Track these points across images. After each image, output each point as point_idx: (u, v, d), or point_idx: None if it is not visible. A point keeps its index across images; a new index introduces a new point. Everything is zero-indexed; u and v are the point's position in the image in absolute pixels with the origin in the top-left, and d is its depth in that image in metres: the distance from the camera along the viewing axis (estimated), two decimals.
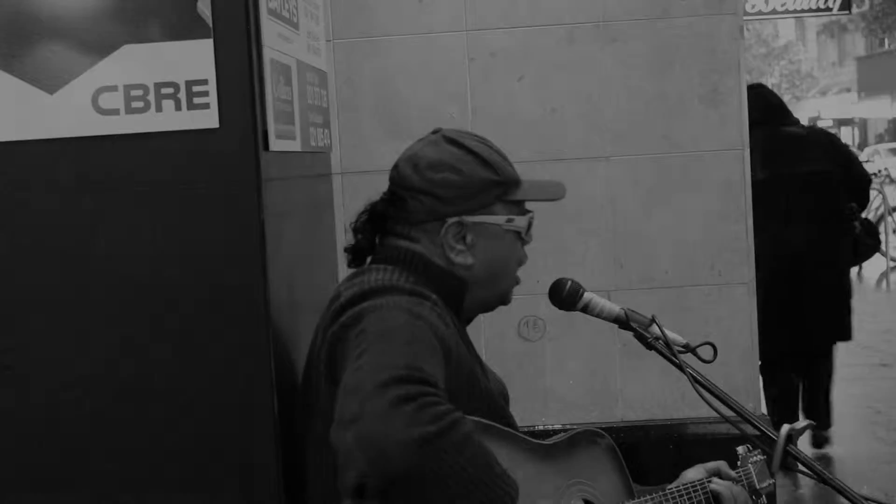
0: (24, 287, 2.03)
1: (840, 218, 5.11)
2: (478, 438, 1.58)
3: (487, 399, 1.91)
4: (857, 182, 5.15)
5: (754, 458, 2.17)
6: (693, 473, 2.14)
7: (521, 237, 1.99)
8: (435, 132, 2.01)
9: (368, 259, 1.99)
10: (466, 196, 1.92)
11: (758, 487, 2.16)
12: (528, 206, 2.02)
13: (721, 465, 2.16)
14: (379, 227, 1.98)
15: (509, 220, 1.95)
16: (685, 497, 2.08)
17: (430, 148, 1.96)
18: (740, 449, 2.18)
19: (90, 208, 2.02)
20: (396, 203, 1.95)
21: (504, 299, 2.04)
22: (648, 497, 2.06)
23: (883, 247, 12.06)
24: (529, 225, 2.00)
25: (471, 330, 2.04)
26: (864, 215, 5.44)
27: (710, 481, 2.10)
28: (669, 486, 2.11)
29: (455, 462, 1.52)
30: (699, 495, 2.09)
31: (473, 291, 1.96)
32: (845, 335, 5.22)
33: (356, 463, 1.51)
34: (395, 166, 1.98)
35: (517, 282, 2.04)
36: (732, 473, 2.14)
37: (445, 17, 3.41)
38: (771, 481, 2.18)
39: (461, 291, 1.94)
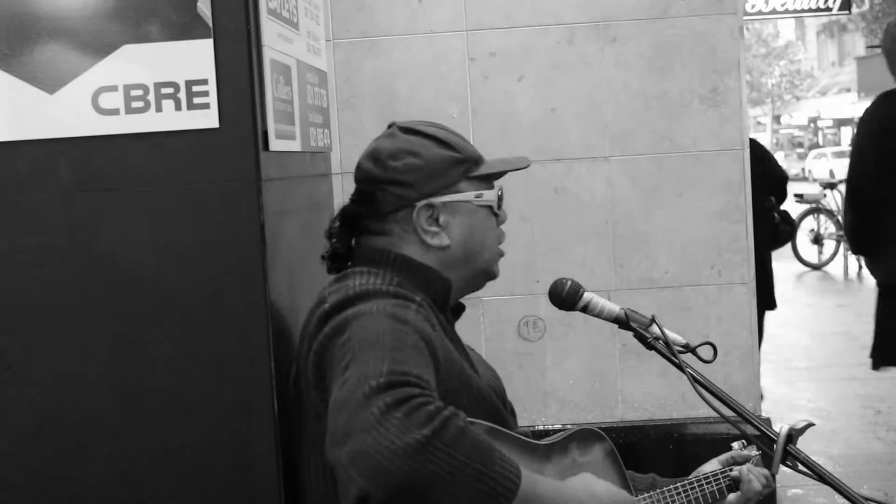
0: (23, 287, 2.03)
1: (760, 209, 5.62)
2: (472, 429, 1.57)
3: (481, 400, 1.90)
4: (776, 180, 5.69)
5: (749, 454, 2.19)
6: (708, 467, 2.16)
7: (494, 212, 1.99)
8: (390, 126, 2.03)
9: (349, 263, 1.98)
10: (430, 177, 1.92)
11: None
12: (499, 184, 2.02)
13: (733, 452, 2.18)
14: (353, 228, 1.98)
15: (478, 196, 1.96)
16: (692, 490, 2.09)
17: (387, 140, 1.98)
18: (735, 444, 2.20)
19: (90, 208, 2.02)
20: (365, 201, 1.95)
21: (489, 273, 2.03)
22: (647, 494, 2.06)
23: None
24: (500, 199, 2.00)
25: (471, 330, 2.04)
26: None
27: (730, 469, 2.12)
28: (683, 480, 2.13)
29: (454, 459, 1.51)
30: (712, 486, 2.10)
31: (455, 272, 1.95)
32: (770, 305, 5.68)
33: (355, 481, 1.49)
34: (358, 166, 1.99)
35: (501, 254, 2.04)
36: (745, 452, 2.17)
37: (445, 17, 3.41)
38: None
39: (446, 287, 1.94)
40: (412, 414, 1.50)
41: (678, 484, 2.11)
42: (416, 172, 1.92)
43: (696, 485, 2.11)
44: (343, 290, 1.81)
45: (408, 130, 1.97)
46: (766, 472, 2.15)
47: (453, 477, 1.50)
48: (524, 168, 2.05)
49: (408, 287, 1.85)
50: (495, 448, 1.58)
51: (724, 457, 2.19)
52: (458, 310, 2.06)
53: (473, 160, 1.98)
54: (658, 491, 2.08)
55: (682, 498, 2.09)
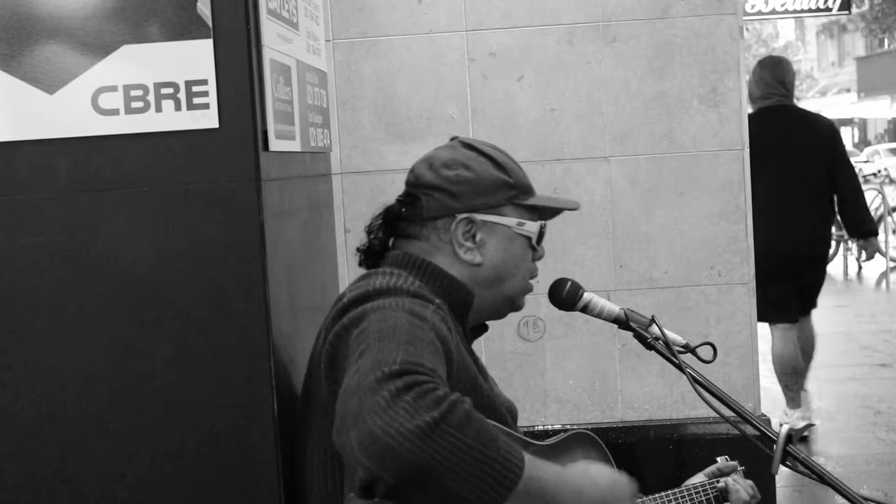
0: (23, 287, 2.03)
1: None
2: (478, 414, 1.57)
3: (491, 410, 1.90)
4: None
5: (735, 465, 2.22)
6: (695, 480, 2.18)
7: (532, 245, 2.00)
8: (452, 139, 2.07)
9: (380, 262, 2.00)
10: (477, 193, 1.94)
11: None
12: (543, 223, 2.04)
13: (718, 465, 2.20)
14: (392, 229, 2.00)
15: (520, 224, 1.97)
16: (682, 500, 2.10)
17: (446, 150, 2.02)
18: (719, 459, 2.22)
19: (90, 208, 2.02)
20: (410, 203, 1.97)
21: (513, 304, 2.05)
22: (639, 501, 2.06)
23: (883, 247, 12.11)
24: (541, 234, 2.01)
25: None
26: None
27: (717, 481, 2.14)
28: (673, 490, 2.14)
29: (461, 442, 1.50)
30: (701, 496, 2.11)
31: (481, 292, 1.96)
32: None
33: (362, 464, 1.49)
34: (411, 169, 2.03)
35: (529, 289, 2.05)
36: (731, 463, 2.18)
37: (445, 17, 3.41)
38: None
39: (468, 298, 1.95)
40: (421, 398, 1.51)
41: (668, 492, 2.12)
42: (465, 185, 1.94)
43: (685, 494, 2.12)
44: (363, 287, 1.83)
45: (468, 146, 2.01)
46: (750, 482, 2.18)
47: (460, 460, 1.50)
48: (573, 210, 2.07)
49: (427, 291, 1.86)
50: (500, 433, 1.59)
51: (709, 470, 2.22)
52: (480, 329, 2.07)
53: (523, 188, 2.00)
54: (649, 498, 2.09)
55: None
